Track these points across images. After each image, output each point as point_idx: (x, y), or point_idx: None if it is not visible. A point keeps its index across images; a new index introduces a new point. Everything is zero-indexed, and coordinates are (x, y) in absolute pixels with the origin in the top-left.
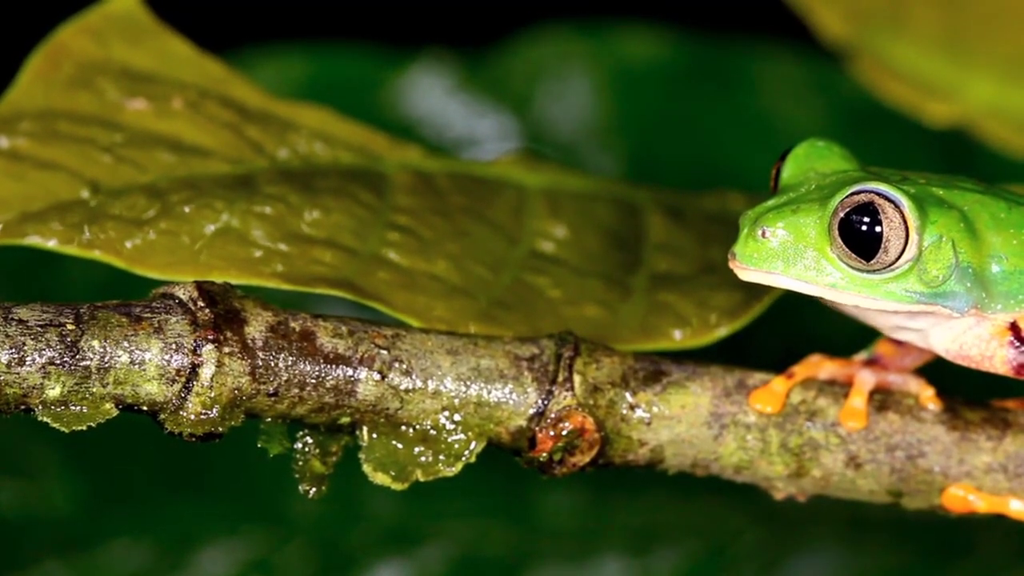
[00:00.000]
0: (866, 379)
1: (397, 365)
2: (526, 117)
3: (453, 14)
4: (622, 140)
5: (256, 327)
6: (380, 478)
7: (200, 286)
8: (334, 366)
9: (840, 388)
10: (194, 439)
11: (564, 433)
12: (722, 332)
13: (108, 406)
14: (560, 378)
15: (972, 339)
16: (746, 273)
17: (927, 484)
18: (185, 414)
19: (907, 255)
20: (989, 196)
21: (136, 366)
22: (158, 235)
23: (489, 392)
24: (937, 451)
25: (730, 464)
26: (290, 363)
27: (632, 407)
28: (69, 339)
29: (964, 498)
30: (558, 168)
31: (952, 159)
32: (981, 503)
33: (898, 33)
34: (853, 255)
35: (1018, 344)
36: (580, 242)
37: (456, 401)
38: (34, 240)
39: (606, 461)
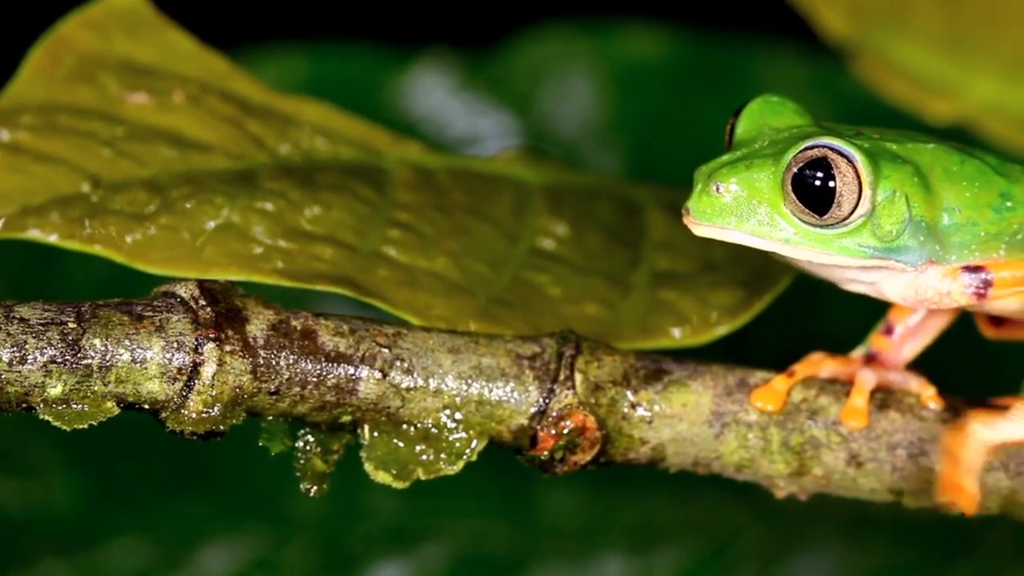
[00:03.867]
0: (867, 378)
1: (398, 363)
2: (528, 116)
3: (455, 14)
4: (623, 138)
5: (258, 325)
6: (381, 476)
7: (201, 284)
8: (335, 364)
9: (841, 386)
10: (195, 438)
11: (565, 431)
12: (722, 330)
13: (109, 404)
14: (561, 376)
15: (925, 281)
16: (700, 228)
17: (928, 483)
18: (186, 412)
19: (860, 210)
20: (942, 150)
21: (137, 364)
22: (158, 230)
23: (490, 390)
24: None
25: (731, 462)
26: (291, 361)
27: (633, 405)
28: (70, 337)
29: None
30: (559, 165)
31: None
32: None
33: (900, 31)
34: (806, 210)
35: (972, 269)
36: (581, 240)
37: (457, 399)
38: (35, 234)
39: (607, 459)
